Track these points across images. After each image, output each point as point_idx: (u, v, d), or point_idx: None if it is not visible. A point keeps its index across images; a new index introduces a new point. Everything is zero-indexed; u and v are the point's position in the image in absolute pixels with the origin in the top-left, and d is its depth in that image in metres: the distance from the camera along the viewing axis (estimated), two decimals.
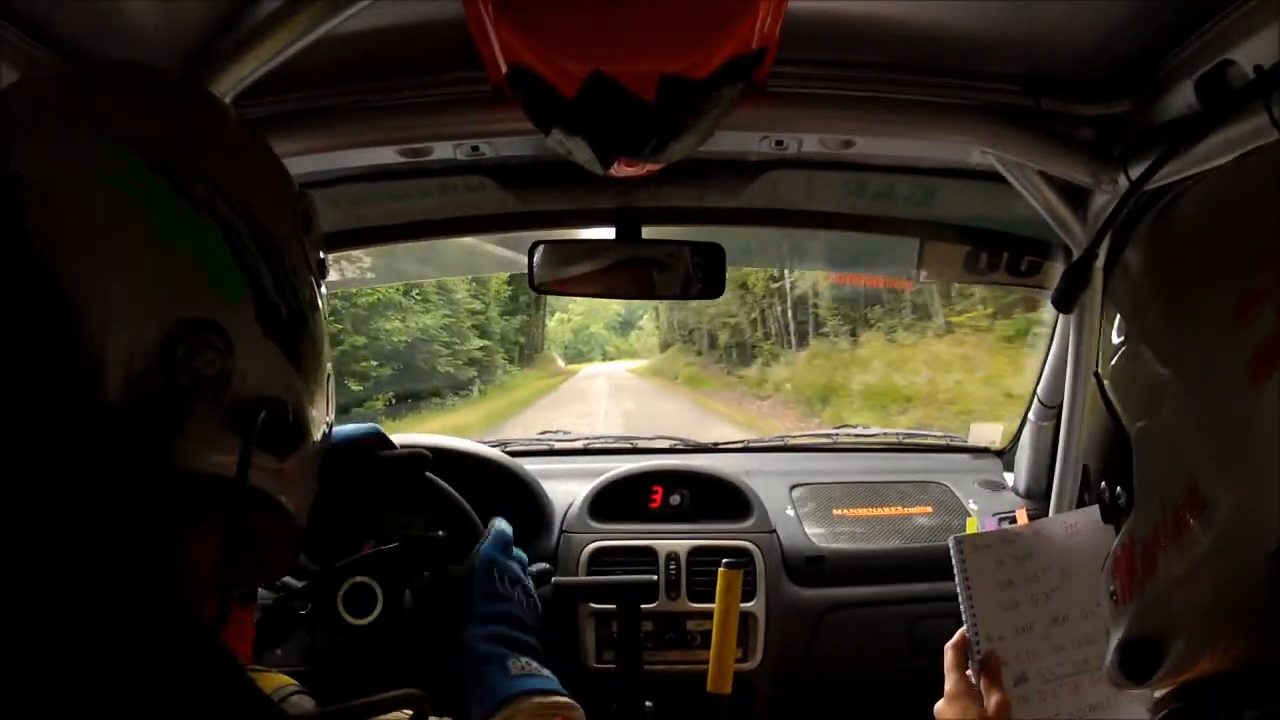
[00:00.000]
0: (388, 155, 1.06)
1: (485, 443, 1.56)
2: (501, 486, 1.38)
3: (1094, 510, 0.83)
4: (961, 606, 0.78)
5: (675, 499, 1.42)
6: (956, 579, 0.79)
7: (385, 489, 1.25)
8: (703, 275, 1.20)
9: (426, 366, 11.86)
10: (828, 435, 1.87)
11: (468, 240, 1.50)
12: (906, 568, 1.36)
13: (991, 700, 0.73)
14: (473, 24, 0.75)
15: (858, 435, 1.89)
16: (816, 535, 1.40)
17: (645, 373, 21.75)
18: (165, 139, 0.46)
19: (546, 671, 0.83)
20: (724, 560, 1.13)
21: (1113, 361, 0.51)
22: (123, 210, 0.43)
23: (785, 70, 0.88)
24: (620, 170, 0.86)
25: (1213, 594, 0.44)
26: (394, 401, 10.25)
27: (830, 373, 10.87)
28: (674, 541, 1.33)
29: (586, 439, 1.76)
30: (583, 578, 1.30)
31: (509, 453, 1.50)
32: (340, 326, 9.66)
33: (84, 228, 0.42)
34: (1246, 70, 0.72)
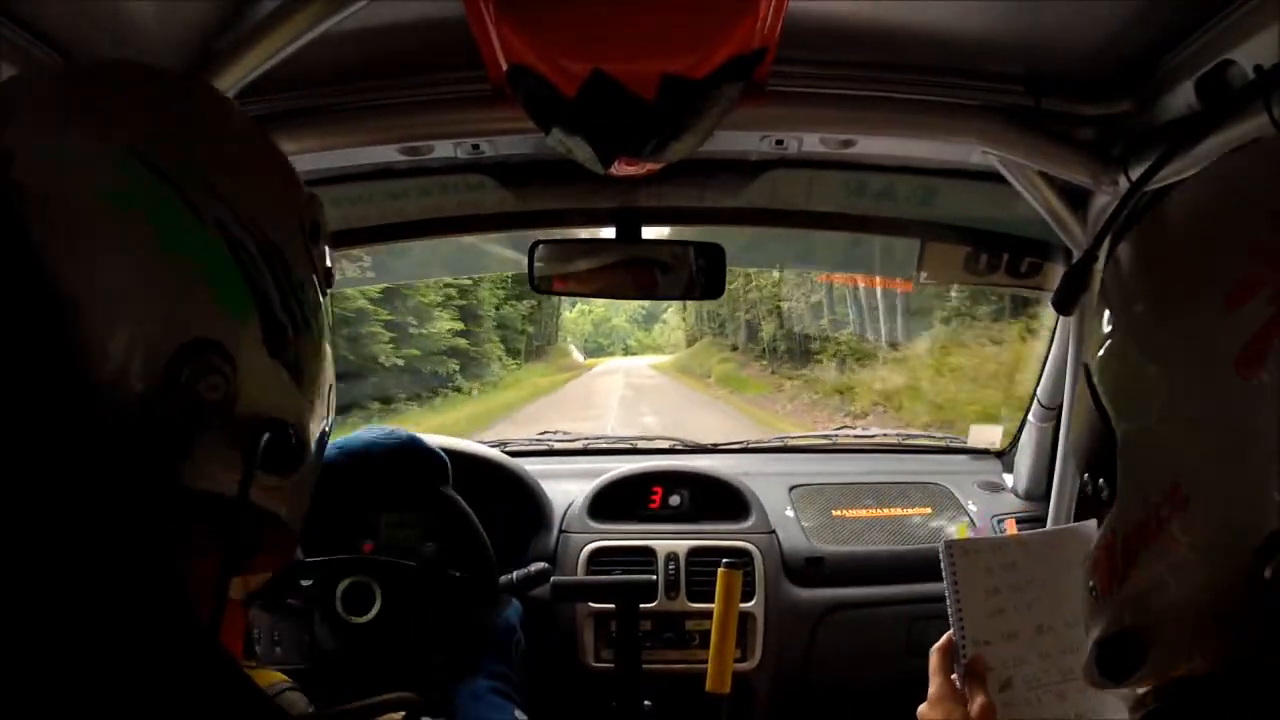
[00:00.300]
0: (388, 154, 1.06)
1: (485, 443, 1.56)
2: (501, 486, 1.38)
3: (1079, 526, 0.84)
4: (949, 610, 0.78)
5: (675, 499, 1.42)
6: (945, 582, 0.79)
7: (385, 491, 1.25)
8: (703, 275, 1.20)
9: (356, 357, 9.55)
10: (827, 436, 1.88)
11: (468, 239, 1.50)
12: (905, 569, 1.36)
13: (975, 703, 0.72)
14: (473, 23, 0.75)
15: (857, 436, 1.89)
16: (816, 536, 1.40)
17: (670, 370, 19.76)
18: (170, 144, 0.44)
19: None
20: (723, 561, 1.13)
21: (1099, 354, 0.50)
22: (125, 223, 0.41)
23: (785, 70, 0.88)
24: (620, 169, 0.86)
25: (1195, 591, 0.43)
26: None
27: (969, 380, 7.85)
28: (673, 542, 1.33)
29: (586, 439, 1.77)
30: (581, 577, 1.30)
31: (509, 453, 1.50)
32: None
33: (85, 241, 0.40)
34: (1247, 70, 0.72)
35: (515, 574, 1.19)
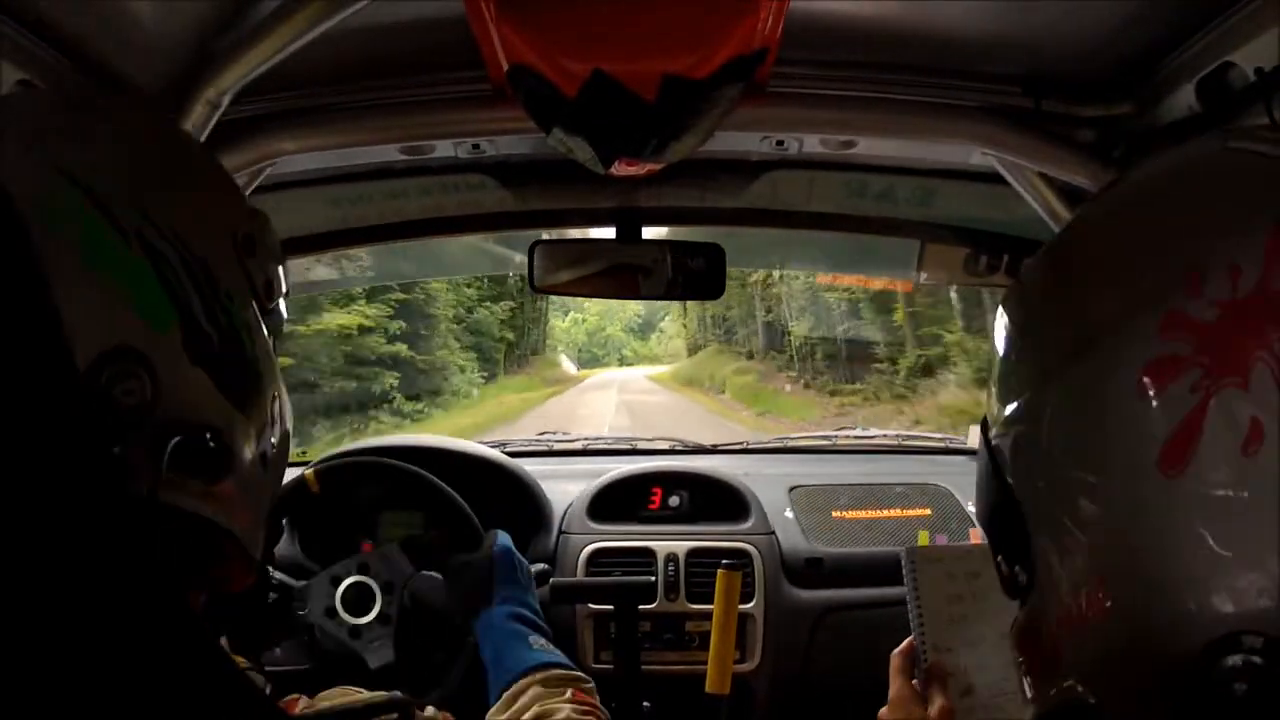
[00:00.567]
0: (388, 153, 1.06)
1: (485, 443, 1.56)
2: (501, 487, 1.38)
3: None
4: (910, 615, 0.79)
5: (674, 500, 1.42)
6: (906, 589, 0.79)
7: (383, 491, 1.25)
8: (703, 276, 1.20)
9: None
10: (826, 437, 1.87)
11: (468, 239, 1.50)
12: None
13: (935, 706, 0.73)
14: (474, 22, 0.75)
15: (857, 437, 1.89)
16: (815, 537, 1.40)
17: (671, 383, 16.99)
18: (101, 168, 0.47)
19: (561, 654, 0.89)
20: (723, 562, 1.12)
21: (1003, 414, 0.45)
22: (55, 241, 0.43)
23: (786, 70, 0.88)
24: (621, 170, 0.86)
25: (1133, 679, 0.38)
26: None
27: None
28: (673, 543, 1.33)
29: (586, 439, 1.77)
30: (581, 578, 1.30)
31: (508, 453, 1.50)
32: None
33: (22, 258, 0.41)
34: (1248, 72, 0.72)
35: None
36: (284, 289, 0.57)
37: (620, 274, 1.21)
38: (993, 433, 0.47)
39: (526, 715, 0.77)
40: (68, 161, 0.45)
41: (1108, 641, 0.39)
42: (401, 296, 9.78)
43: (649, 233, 1.22)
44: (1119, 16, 0.78)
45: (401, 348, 9.91)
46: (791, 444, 1.80)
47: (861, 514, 1.45)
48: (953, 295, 8.69)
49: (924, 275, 1.32)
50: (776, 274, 12.21)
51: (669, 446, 1.75)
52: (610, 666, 1.22)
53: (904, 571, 0.79)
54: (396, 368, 9.66)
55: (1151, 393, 0.36)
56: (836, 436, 1.87)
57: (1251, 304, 0.35)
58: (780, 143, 1.05)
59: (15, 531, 0.36)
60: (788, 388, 11.97)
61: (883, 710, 0.77)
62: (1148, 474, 0.36)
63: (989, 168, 1.05)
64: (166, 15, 0.72)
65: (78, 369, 0.42)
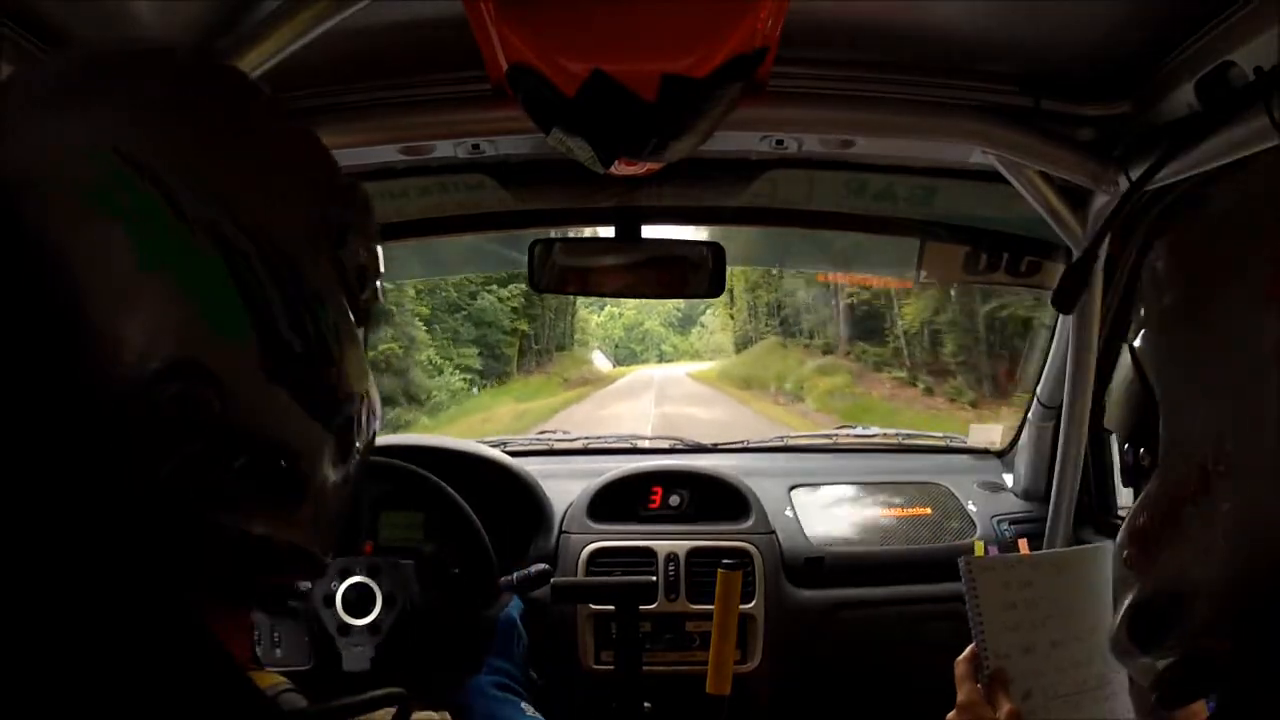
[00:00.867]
0: (388, 153, 1.06)
1: (485, 442, 1.56)
2: (501, 486, 1.38)
3: (1086, 549, 0.88)
4: (970, 623, 0.81)
5: (675, 500, 1.42)
6: (966, 598, 0.82)
7: (385, 491, 1.25)
8: (703, 274, 1.20)
9: None
10: (827, 436, 1.87)
11: (468, 238, 1.50)
12: (906, 569, 1.36)
13: (1002, 711, 0.75)
14: (474, 22, 0.75)
15: (857, 436, 1.89)
16: (816, 536, 1.39)
17: (721, 384, 13.46)
18: (163, 141, 0.39)
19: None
20: (723, 561, 1.12)
21: (1144, 332, 0.50)
22: (105, 232, 0.37)
23: (786, 70, 0.88)
24: (621, 169, 0.86)
25: (1231, 561, 0.42)
26: None
27: None
28: (673, 542, 1.33)
29: (586, 439, 1.77)
30: (581, 578, 1.30)
31: (509, 452, 1.50)
32: None
33: (68, 254, 0.37)
34: (1247, 72, 0.72)
35: (515, 575, 1.20)
36: (380, 266, 0.50)
37: (620, 273, 1.21)
38: (1132, 335, 0.51)
39: None
40: (124, 137, 0.38)
41: (1219, 507, 0.42)
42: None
43: (649, 231, 1.22)
44: (1119, 16, 0.78)
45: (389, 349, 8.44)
46: (792, 442, 1.80)
47: (862, 513, 1.45)
48: None
49: (924, 274, 1.32)
50: None
51: (669, 445, 1.75)
52: (611, 667, 1.22)
53: (963, 580, 0.81)
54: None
55: (1271, 295, 0.41)
56: (837, 435, 1.87)
57: None
58: (780, 142, 1.05)
59: (31, 560, 0.35)
60: (901, 394, 8.38)
61: (950, 715, 0.79)
62: (1267, 361, 0.40)
63: (989, 166, 1.05)
64: (166, 15, 0.72)
65: (119, 384, 0.37)
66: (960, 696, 0.79)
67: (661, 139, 0.80)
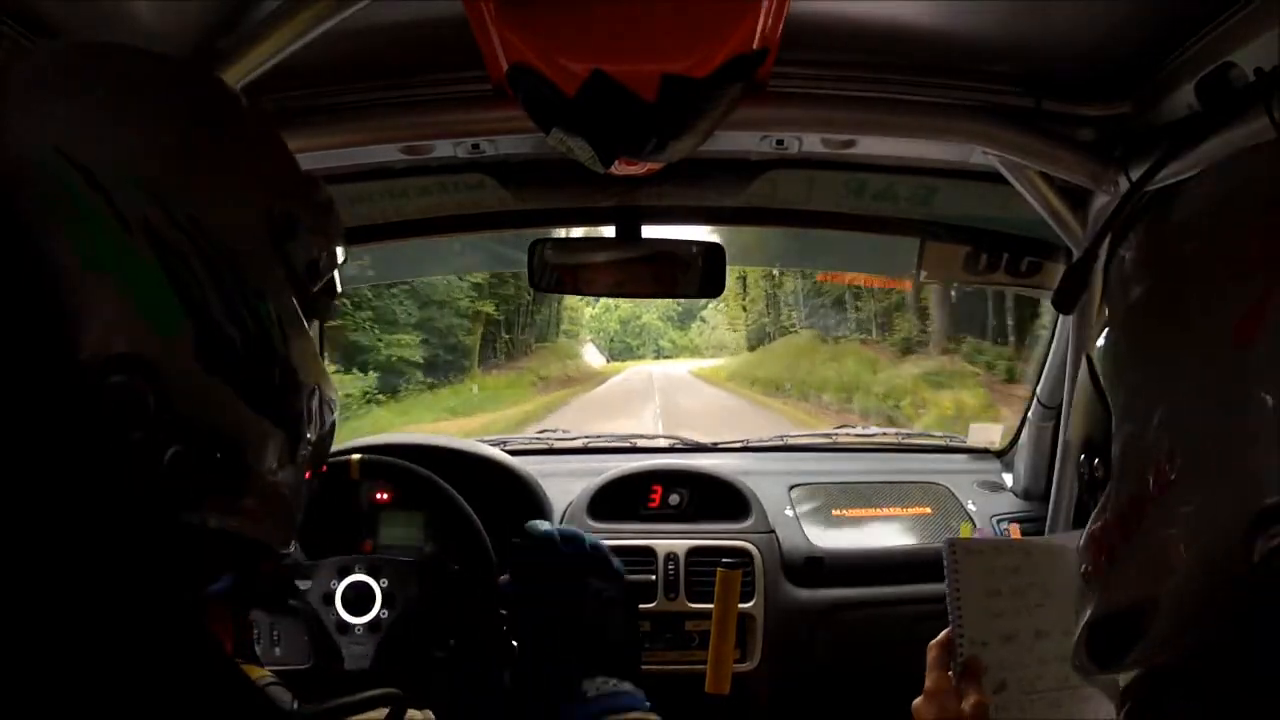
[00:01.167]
0: (388, 153, 1.06)
1: (485, 441, 1.56)
2: (501, 485, 1.38)
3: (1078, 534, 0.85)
4: (948, 607, 0.78)
5: (674, 499, 1.42)
6: (946, 580, 0.79)
7: (385, 490, 1.25)
8: (703, 274, 1.20)
9: None
10: (827, 435, 1.87)
11: (468, 238, 1.50)
12: (905, 568, 1.36)
13: (970, 700, 0.72)
14: (474, 22, 0.75)
15: (857, 435, 1.89)
16: (815, 536, 1.40)
17: (733, 385, 11.41)
18: (105, 141, 0.41)
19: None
20: (723, 560, 1.12)
21: (1100, 340, 0.50)
22: (52, 234, 0.39)
23: (786, 70, 0.88)
24: (621, 169, 0.86)
25: (1188, 572, 0.41)
26: None
27: None
28: (673, 541, 1.33)
29: (586, 437, 1.77)
30: None
31: (508, 451, 1.50)
32: None
33: (21, 255, 0.38)
34: (1247, 73, 0.72)
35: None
36: (336, 262, 0.51)
37: (620, 272, 1.21)
38: (1090, 348, 0.52)
39: None
40: (59, 130, 0.40)
41: (1172, 518, 0.41)
42: None
43: (649, 231, 1.22)
44: (1119, 16, 0.78)
45: None
46: (792, 441, 1.80)
47: (862, 512, 1.45)
48: None
49: (924, 274, 1.32)
50: None
51: (669, 444, 1.75)
52: None
53: (945, 562, 0.78)
54: None
55: (1230, 285, 0.41)
56: (837, 434, 1.87)
57: None
58: (780, 142, 1.06)
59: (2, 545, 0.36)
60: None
61: (917, 701, 0.76)
62: (1223, 346, 0.40)
63: (989, 167, 1.05)
64: (166, 15, 0.72)
65: (69, 377, 0.39)
66: (928, 683, 0.76)
67: (661, 139, 0.80)
